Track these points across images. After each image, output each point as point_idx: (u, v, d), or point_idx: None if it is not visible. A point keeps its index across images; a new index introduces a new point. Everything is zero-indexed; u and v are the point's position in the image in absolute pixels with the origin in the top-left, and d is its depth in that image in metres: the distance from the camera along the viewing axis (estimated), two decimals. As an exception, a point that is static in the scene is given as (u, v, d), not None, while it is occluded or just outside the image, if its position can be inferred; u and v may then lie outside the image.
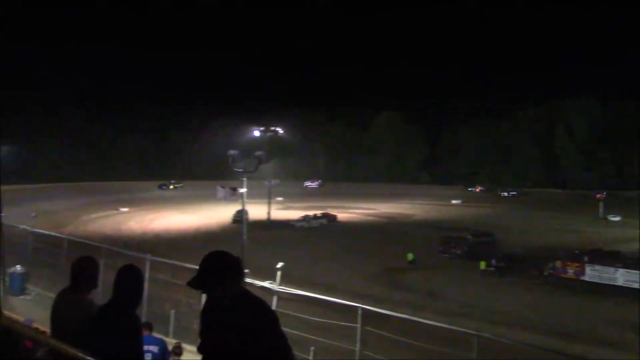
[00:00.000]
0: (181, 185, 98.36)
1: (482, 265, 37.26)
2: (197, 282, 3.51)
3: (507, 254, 39.82)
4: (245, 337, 3.34)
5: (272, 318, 3.53)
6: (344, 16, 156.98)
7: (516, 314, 27.15)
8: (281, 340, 3.47)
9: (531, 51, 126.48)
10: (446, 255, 42.58)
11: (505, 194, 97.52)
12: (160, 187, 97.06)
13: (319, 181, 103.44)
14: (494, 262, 37.42)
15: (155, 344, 7.92)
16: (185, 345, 12.43)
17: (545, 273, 35.74)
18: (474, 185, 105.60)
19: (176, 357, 10.29)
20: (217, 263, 3.55)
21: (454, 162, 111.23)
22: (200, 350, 3.61)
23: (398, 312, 16.38)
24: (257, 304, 3.56)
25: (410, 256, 39.69)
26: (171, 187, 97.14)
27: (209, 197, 67.68)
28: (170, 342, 14.61)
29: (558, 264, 35.99)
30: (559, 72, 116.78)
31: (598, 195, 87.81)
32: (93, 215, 63.44)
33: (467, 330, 13.52)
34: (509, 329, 22.82)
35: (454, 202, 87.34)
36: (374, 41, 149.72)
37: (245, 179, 19.52)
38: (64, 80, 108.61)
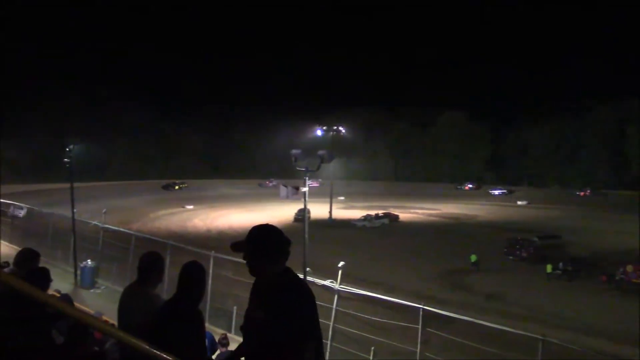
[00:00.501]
0: (185, 185, 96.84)
1: (549, 268, 36.22)
2: (240, 247, 3.49)
3: (575, 257, 38.58)
4: (277, 314, 3.31)
5: (307, 299, 3.47)
6: (407, 14, 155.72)
7: (584, 320, 26.27)
8: (312, 324, 3.44)
9: (601, 48, 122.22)
10: (511, 258, 41.64)
11: (496, 192, 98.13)
12: (165, 187, 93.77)
13: (319, 180, 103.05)
14: (561, 265, 36.34)
15: None
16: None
17: (617, 278, 34.42)
18: (462, 183, 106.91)
19: (223, 349, 10.47)
20: (266, 236, 3.53)
21: (519, 162, 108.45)
22: (242, 329, 3.64)
23: (460, 314, 16.14)
24: (297, 283, 3.53)
25: (473, 258, 39.00)
26: (177, 187, 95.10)
27: (272, 196, 68.50)
28: (216, 330, 14.87)
29: (629, 268, 34.54)
30: (630, 69, 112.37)
31: (582, 193, 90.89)
32: (160, 212, 65.12)
33: (532, 335, 13.22)
34: (575, 335, 22.10)
35: (519, 203, 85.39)
36: (439, 38, 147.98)
37: (307, 177, 19.56)
38: (135, 81, 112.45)
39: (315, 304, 3.51)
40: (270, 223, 3.66)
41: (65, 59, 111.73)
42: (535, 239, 43.02)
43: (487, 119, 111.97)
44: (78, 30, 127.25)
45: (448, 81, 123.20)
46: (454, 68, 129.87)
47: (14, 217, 36.59)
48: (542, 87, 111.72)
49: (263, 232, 3.53)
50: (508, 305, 28.91)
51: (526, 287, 33.40)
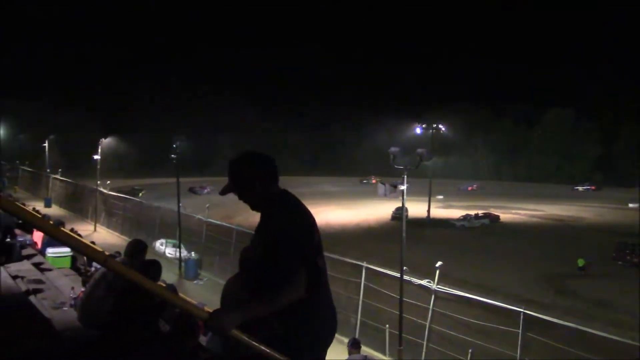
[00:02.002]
0: (144, 191, 74.76)
1: (663, 275, 34.07)
2: (227, 188, 3.31)
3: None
4: (278, 230, 3.14)
5: (308, 217, 3.25)
6: (512, 8, 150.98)
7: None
8: (314, 246, 3.19)
9: None
10: (620, 263, 39.44)
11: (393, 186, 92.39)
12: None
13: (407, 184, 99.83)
14: (677, 272, 34.11)
15: None
16: (342, 338, 12.74)
17: None
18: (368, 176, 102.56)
19: (354, 350, 10.50)
20: (244, 164, 3.31)
21: (632, 162, 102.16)
22: (240, 263, 3.53)
23: (564, 320, 15.52)
24: (296, 200, 3.31)
25: (580, 262, 37.25)
26: (140, 194, 71.08)
27: (370, 193, 68.52)
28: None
29: None
30: None
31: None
32: (259, 207, 66.51)
33: (642, 345, 12.51)
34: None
35: (631, 205, 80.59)
36: (545, 33, 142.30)
37: (405, 176, 19.50)
38: (238, 80, 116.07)
39: (316, 227, 3.28)
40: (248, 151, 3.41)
41: (171, 58, 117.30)
42: (648, 243, 40.56)
43: (596, 116, 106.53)
44: (183, 31, 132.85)
45: (554, 77, 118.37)
46: (560, 64, 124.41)
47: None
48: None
49: (239, 158, 3.33)
50: (617, 312, 27.43)
51: (637, 294, 31.54)
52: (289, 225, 3.15)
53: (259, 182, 3.25)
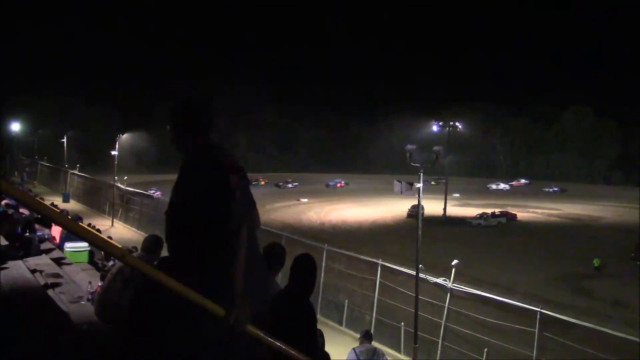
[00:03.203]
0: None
1: (682, 276, 33.64)
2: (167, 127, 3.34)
3: None
4: (190, 193, 3.21)
5: (235, 159, 3.20)
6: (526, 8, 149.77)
7: None
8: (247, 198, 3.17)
9: None
10: (639, 263, 39.09)
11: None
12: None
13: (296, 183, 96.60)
14: (697, 273, 33.68)
15: None
16: (353, 333, 12.75)
17: None
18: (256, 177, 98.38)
19: (366, 341, 10.51)
20: (181, 110, 3.34)
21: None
22: (165, 214, 3.47)
23: (580, 320, 15.39)
24: (216, 155, 3.23)
25: (596, 261, 36.91)
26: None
27: (386, 191, 68.39)
28: (327, 322, 14.86)
29: None
30: None
31: None
32: (276, 205, 66.70)
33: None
34: None
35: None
36: (568, 31, 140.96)
37: (422, 173, 19.41)
38: (254, 76, 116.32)
39: (247, 179, 3.23)
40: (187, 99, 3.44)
41: (189, 55, 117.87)
42: (668, 244, 40.08)
43: (616, 113, 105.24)
44: (203, 27, 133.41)
45: (573, 75, 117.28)
46: (580, 61, 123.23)
47: None
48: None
49: (180, 102, 3.38)
50: (634, 313, 27.15)
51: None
52: (230, 162, 3.16)
53: (195, 129, 3.28)
